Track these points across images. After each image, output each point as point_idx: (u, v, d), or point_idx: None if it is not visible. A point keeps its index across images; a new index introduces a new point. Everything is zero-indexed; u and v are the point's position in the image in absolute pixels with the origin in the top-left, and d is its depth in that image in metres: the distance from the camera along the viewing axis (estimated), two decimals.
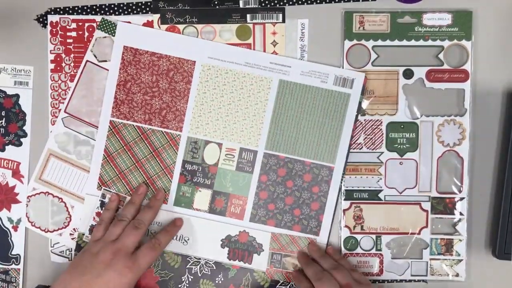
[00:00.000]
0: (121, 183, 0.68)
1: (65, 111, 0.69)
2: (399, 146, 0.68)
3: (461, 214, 0.68)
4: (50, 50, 0.68)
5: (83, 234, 0.69)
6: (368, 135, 0.68)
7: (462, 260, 0.68)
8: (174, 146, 0.68)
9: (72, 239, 0.69)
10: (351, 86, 0.66)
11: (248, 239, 0.68)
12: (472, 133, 0.68)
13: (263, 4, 0.68)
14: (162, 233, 0.65)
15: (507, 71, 0.68)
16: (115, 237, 0.62)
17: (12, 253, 0.70)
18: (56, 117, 0.69)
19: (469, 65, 0.67)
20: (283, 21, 0.68)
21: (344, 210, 0.68)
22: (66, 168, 0.69)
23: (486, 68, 0.67)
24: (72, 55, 0.68)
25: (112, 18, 0.68)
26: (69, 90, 0.68)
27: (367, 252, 0.69)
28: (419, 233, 0.68)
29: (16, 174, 0.69)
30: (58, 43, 0.68)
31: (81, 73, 0.68)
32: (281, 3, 0.67)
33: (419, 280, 0.69)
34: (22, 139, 0.69)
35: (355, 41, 0.67)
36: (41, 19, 0.68)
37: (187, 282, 0.69)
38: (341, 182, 0.68)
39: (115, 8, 0.68)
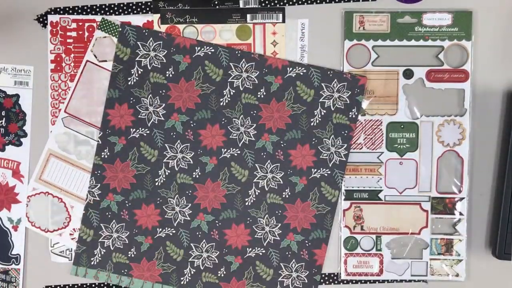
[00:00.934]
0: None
1: (65, 111, 0.69)
2: (399, 146, 0.68)
3: (461, 214, 0.68)
4: (50, 50, 0.68)
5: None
6: (368, 135, 0.68)
7: (462, 260, 0.68)
8: None
9: (72, 239, 0.69)
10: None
11: None
12: (472, 133, 0.68)
13: (263, 4, 0.68)
14: None
15: (507, 71, 0.68)
16: None
17: (12, 253, 0.70)
18: (56, 117, 0.69)
19: (469, 65, 0.67)
20: (283, 21, 0.68)
21: (344, 210, 0.68)
22: (66, 168, 0.69)
23: (486, 68, 0.67)
24: (72, 55, 0.68)
25: (112, 18, 0.68)
26: (69, 90, 0.68)
27: (367, 252, 0.69)
28: (419, 233, 0.68)
29: (16, 174, 0.69)
30: (58, 43, 0.68)
31: (81, 73, 0.68)
32: (281, 3, 0.67)
33: (419, 280, 0.69)
34: (22, 139, 0.69)
35: (355, 41, 0.67)
36: (41, 19, 0.68)
37: (189, 275, 0.69)
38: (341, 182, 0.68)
39: (115, 8, 0.68)
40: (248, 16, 0.68)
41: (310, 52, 0.68)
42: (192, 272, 0.69)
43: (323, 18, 0.67)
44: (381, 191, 0.68)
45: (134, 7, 0.68)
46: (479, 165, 0.69)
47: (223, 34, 0.68)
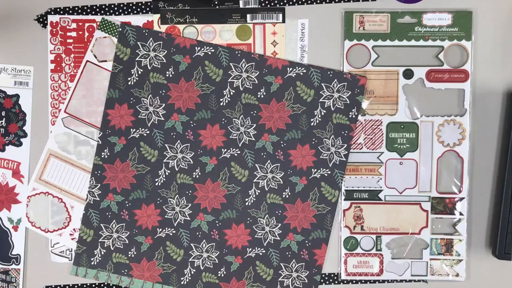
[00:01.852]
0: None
1: (65, 111, 0.69)
2: (399, 146, 0.68)
3: (461, 214, 0.68)
4: (50, 50, 0.68)
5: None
6: (368, 135, 0.68)
7: (462, 260, 0.68)
8: None
9: (72, 239, 0.69)
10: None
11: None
12: (472, 133, 0.68)
13: (263, 4, 0.68)
14: None
15: (507, 71, 0.68)
16: None
17: (12, 253, 0.70)
18: (56, 117, 0.69)
19: (469, 65, 0.67)
20: (283, 21, 0.68)
21: (344, 210, 0.68)
22: (66, 168, 0.69)
23: (486, 68, 0.67)
24: (72, 55, 0.68)
25: (112, 18, 0.68)
26: (69, 90, 0.68)
27: (367, 252, 0.69)
28: (419, 233, 0.68)
29: (16, 174, 0.69)
30: (58, 43, 0.68)
31: (81, 73, 0.68)
32: (281, 3, 0.67)
33: (419, 280, 0.69)
34: (22, 139, 0.69)
35: (355, 41, 0.67)
36: (41, 19, 0.68)
37: (189, 275, 0.69)
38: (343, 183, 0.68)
39: (115, 8, 0.68)
40: (248, 16, 0.68)
41: (310, 52, 0.68)
42: (192, 272, 0.69)
43: (323, 18, 0.67)
44: (381, 191, 0.68)
45: (134, 7, 0.68)
46: (479, 165, 0.69)
47: (223, 34, 0.68)
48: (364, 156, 0.68)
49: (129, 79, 0.68)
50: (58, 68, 0.68)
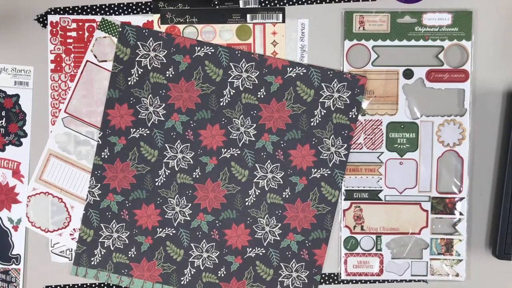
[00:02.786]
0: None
1: (65, 111, 0.69)
2: (399, 146, 0.68)
3: (461, 214, 0.68)
4: (50, 50, 0.68)
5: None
6: (368, 135, 0.68)
7: (462, 260, 0.68)
8: None
9: (72, 239, 0.69)
10: None
11: None
12: (472, 133, 0.68)
13: (263, 4, 0.68)
14: None
15: (507, 71, 0.68)
16: None
17: (12, 253, 0.70)
18: (56, 117, 0.69)
19: (469, 65, 0.67)
20: (283, 21, 0.68)
21: (344, 210, 0.68)
22: (66, 168, 0.69)
23: (486, 68, 0.67)
24: (72, 55, 0.68)
25: (112, 18, 0.68)
26: (69, 90, 0.68)
27: (367, 252, 0.69)
28: (419, 233, 0.68)
29: (16, 174, 0.69)
30: (58, 43, 0.68)
31: (81, 73, 0.68)
32: (281, 3, 0.68)
33: (419, 280, 0.69)
34: (22, 139, 0.69)
35: (355, 41, 0.67)
36: (41, 19, 0.68)
37: (189, 275, 0.69)
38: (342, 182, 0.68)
39: (115, 8, 0.68)
40: (248, 16, 0.68)
41: (310, 52, 0.68)
42: (192, 272, 0.69)
43: (323, 18, 0.67)
44: (381, 191, 0.68)
45: (134, 7, 0.68)
46: (479, 165, 0.69)
47: (223, 34, 0.68)
48: (364, 156, 0.68)
49: (129, 79, 0.68)
50: (58, 68, 0.68)
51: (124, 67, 0.68)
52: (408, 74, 0.67)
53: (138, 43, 0.67)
